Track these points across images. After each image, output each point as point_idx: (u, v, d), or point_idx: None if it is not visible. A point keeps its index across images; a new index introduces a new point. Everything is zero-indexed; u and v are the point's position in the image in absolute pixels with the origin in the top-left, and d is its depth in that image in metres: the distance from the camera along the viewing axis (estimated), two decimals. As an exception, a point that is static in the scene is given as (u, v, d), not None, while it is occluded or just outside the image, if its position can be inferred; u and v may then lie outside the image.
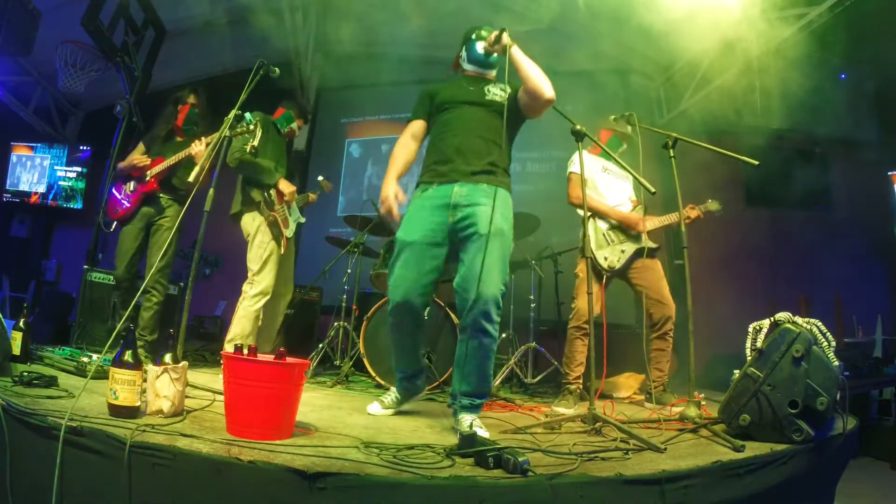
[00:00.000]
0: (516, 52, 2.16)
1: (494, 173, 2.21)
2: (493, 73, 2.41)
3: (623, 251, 3.11)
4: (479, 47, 2.29)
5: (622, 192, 3.27)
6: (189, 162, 3.15)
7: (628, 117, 2.99)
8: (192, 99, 3.35)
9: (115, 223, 3.35)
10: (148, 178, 3.22)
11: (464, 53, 2.41)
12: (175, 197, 3.32)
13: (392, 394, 2.38)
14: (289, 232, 3.17)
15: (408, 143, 2.36)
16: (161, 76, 4.83)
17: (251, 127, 2.56)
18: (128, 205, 3.25)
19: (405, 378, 2.36)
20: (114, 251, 3.32)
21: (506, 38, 2.16)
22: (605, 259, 3.08)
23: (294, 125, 3.41)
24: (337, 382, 3.29)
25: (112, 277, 3.48)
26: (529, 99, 2.23)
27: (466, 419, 1.99)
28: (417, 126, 2.37)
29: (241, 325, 2.95)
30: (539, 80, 2.16)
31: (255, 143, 2.68)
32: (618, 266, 3.08)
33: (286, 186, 3.13)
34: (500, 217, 2.12)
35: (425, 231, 2.15)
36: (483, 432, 1.87)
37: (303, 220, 3.36)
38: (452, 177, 2.18)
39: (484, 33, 2.31)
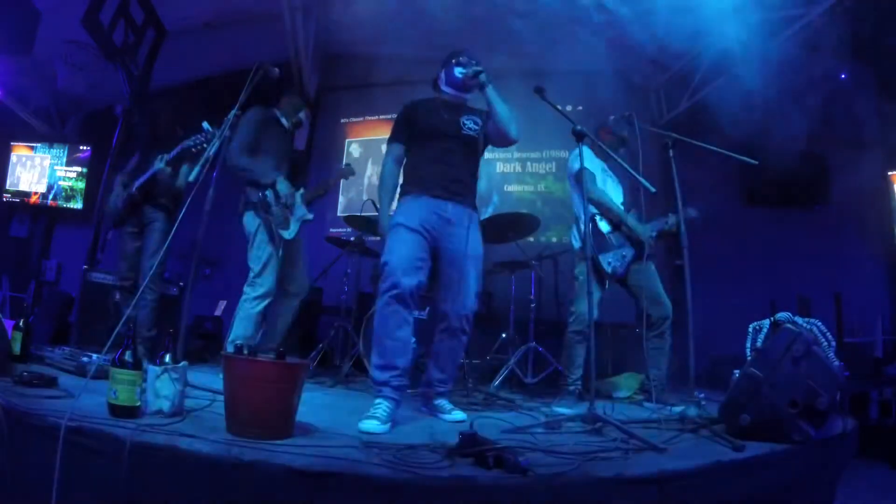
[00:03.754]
0: (491, 92, 2.39)
1: (472, 201, 2.49)
2: (469, 96, 2.56)
3: (624, 255, 3.10)
4: (458, 72, 2.45)
5: (617, 195, 3.26)
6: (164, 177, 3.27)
7: (628, 117, 2.99)
8: (159, 113, 3.49)
9: (111, 230, 3.50)
10: (133, 190, 3.32)
11: (443, 75, 2.55)
12: (159, 206, 3.39)
13: (383, 405, 2.08)
14: (288, 233, 3.08)
15: (394, 171, 2.55)
16: (161, 76, 4.84)
17: (208, 137, 2.72)
18: (120, 212, 3.38)
19: (399, 375, 2.18)
20: (113, 251, 3.39)
21: (482, 77, 2.37)
22: (609, 264, 3.06)
23: (301, 115, 3.34)
24: (337, 382, 3.29)
25: (113, 277, 3.51)
26: (495, 135, 2.50)
27: (446, 404, 2.41)
28: (399, 150, 2.54)
29: (243, 326, 2.91)
30: (506, 124, 2.42)
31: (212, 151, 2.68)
32: (621, 270, 3.07)
33: (284, 185, 3.06)
34: (480, 241, 2.47)
35: (423, 225, 2.34)
36: (460, 413, 2.33)
37: (310, 216, 3.24)
38: (444, 195, 2.40)
39: (463, 59, 2.48)
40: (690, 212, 3.21)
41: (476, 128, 2.50)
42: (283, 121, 3.27)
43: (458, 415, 2.35)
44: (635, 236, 3.09)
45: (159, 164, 3.22)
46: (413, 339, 3.35)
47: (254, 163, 3.04)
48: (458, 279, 2.36)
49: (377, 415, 2.01)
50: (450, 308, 2.37)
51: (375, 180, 6.32)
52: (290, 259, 3.16)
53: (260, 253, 2.99)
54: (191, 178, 2.41)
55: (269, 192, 3.03)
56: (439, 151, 2.44)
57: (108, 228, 3.53)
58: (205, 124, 2.75)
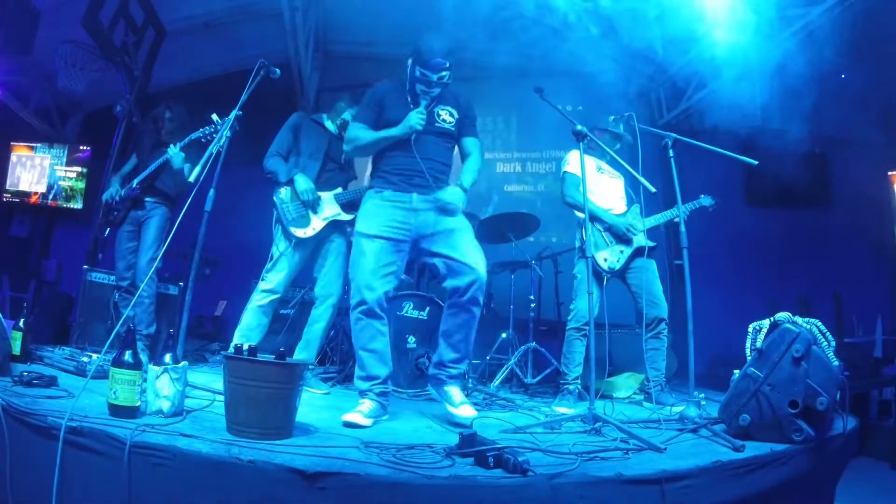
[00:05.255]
0: (468, 189, 2.36)
1: (447, 183, 2.39)
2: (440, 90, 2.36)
3: (622, 251, 3.11)
4: (419, 122, 2.26)
5: (615, 191, 3.27)
6: (169, 168, 3.34)
7: (628, 118, 2.99)
8: (168, 115, 3.52)
9: (109, 229, 3.50)
10: (135, 185, 3.37)
11: (409, 72, 2.32)
12: (160, 199, 3.45)
13: (368, 403, 2.14)
14: (304, 231, 2.96)
15: (360, 128, 2.38)
16: (161, 76, 4.83)
17: (217, 128, 2.73)
18: (118, 211, 3.42)
19: (380, 383, 2.21)
20: (113, 251, 3.43)
21: (458, 206, 2.32)
22: (605, 260, 3.07)
23: (347, 116, 3.19)
24: (337, 382, 3.29)
25: (112, 277, 3.52)
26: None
27: (458, 392, 2.28)
28: (363, 129, 2.38)
29: (246, 318, 2.91)
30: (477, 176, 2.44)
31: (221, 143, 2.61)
32: (618, 267, 3.08)
33: (301, 183, 2.98)
34: (462, 214, 2.36)
35: (387, 226, 2.27)
36: (470, 409, 2.20)
37: (344, 216, 3.06)
38: (407, 188, 2.31)
39: (430, 59, 2.24)
40: (705, 199, 3.22)
41: (451, 120, 2.39)
42: (328, 124, 3.23)
43: (466, 413, 2.20)
44: (619, 232, 3.10)
45: (173, 149, 3.26)
46: (413, 339, 3.37)
47: (281, 165, 3.05)
48: (454, 253, 2.25)
49: (361, 410, 2.08)
50: (460, 281, 2.23)
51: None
52: (319, 260, 3.07)
53: (274, 249, 2.99)
54: (191, 178, 2.41)
55: (280, 190, 3.01)
56: (414, 144, 2.28)
57: (104, 227, 3.53)
58: (214, 116, 2.77)
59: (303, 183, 2.98)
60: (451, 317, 2.29)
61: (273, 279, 2.93)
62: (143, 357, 1.99)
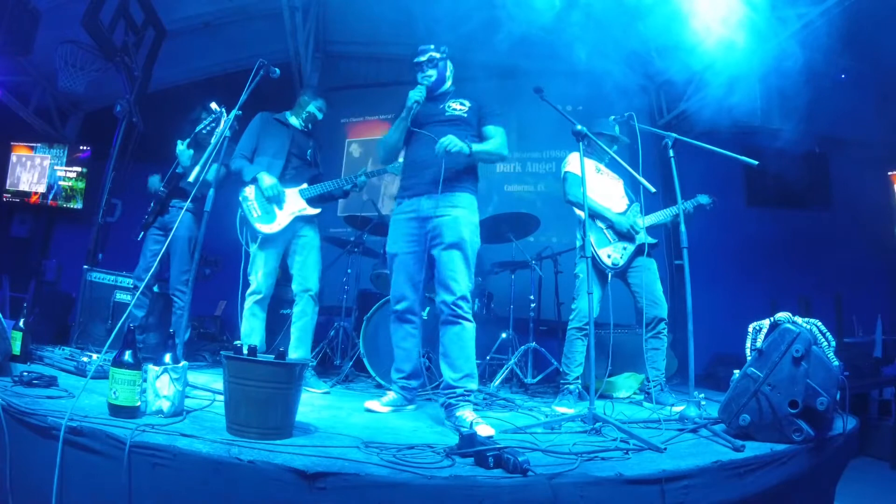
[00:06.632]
0: (476, 154, 2.39)
1: (459, 180, 2.44)
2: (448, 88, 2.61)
3: (625, 248, 3.11)
4: (419, 94, 2.44)
5: (614, 192, 3.27)
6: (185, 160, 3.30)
7: (628, 118, 2.99)
8: (204, 114, 3.37)
9: (142, 233, 3.47)
10: (162, 189, 3.36)
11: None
12: (185, 203, 3.36)
13: (391, 394, 2.53)
14: (270, 227, 2.96)
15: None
16: (161, 76, 4.84)
17: (217, 118, 2.73)
18: (148, 215, 3.41)
19: (404, 377, 2.52)
20: (113, 251, 3.42)
21: (459, 148, 2.31)
22: (609, 257, 3.07)
23: (312, 109, 3.24)
24: (337, 382, 3.29)
25: (112, 277, 3.52)
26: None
27: (467, 416, 2.13)
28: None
29: (243, 324, 2.95)
30: (497, 158, 2.52)
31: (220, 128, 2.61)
32: (622, 263, 3.08)
33: (264, 179, 2.97)
34: (463, 225, 2.38)
35: (405, 241, 2.48)
36: (485, 429, 1.99)
37: (309, 211, 3.07)
38: (418, 190, 2.45)
39: (416, 48, 2.54)
40: (703, 198, 3.22)
41: (463, 108, 2.50)
42: (293, 120, 3.24)
43: (482, 433, 1.92)
44: (621, 229, 3.11)
45: (180, 146, 3.23)
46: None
47: (247, 165, 3.05)
48: (441, 271, 2.36)
49: (381, 399, 2.45)
50: (440, 299, 2.36)
51: (376, 181, 6.33)
52: (291, 255, 3.07)
53: (250, 249, 3.00)
54: (190, 179, 2.42)
55: (245, 189, 3.02)
56: (419, 143, 2.48)
57: (138, 231, 3.51)
58: (213, 105, 2.76)
59: (266, 178, 2.99)
60: (443, 334, 2.35)
61: (254, 281, 2.97)
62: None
